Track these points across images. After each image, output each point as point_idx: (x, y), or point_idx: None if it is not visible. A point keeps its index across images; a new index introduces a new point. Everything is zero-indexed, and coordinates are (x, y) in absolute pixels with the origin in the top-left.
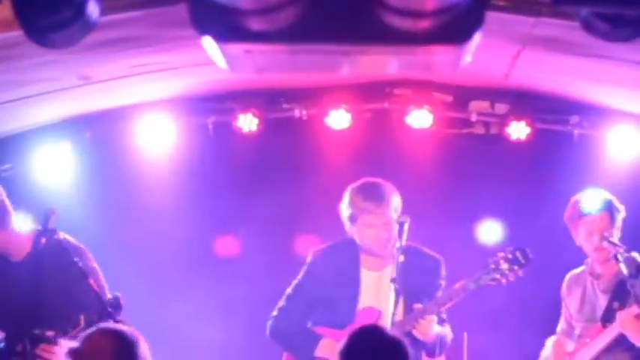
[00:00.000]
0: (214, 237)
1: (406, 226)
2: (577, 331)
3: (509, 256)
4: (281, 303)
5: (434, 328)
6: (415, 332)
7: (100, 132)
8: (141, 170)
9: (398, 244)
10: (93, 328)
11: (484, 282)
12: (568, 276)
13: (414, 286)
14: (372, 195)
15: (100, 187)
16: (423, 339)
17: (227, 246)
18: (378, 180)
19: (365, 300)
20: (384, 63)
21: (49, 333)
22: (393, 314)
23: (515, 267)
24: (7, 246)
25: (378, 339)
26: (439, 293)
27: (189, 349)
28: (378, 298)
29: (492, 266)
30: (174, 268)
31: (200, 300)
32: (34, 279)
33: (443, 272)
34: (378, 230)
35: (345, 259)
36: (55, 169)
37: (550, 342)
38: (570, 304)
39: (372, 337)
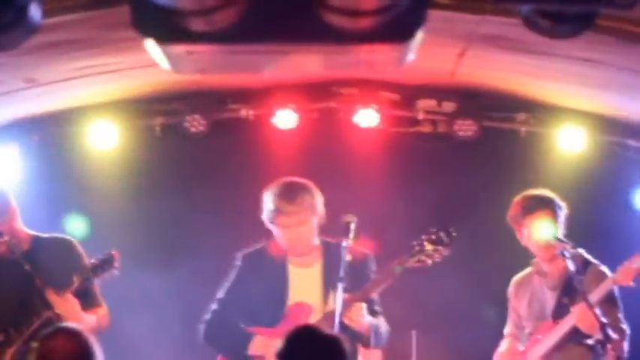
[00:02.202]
0: (161, 238)
1: (352, 226)
2: (527, 330)
3: (433, 237)
4: (213, 306)
5: (365, 316)
6: (346, 321)
7: (47, 134)
8: (88, 172)
9: (344, 244)
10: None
11: (410, 264)
12: (514, 279)
13: (344, 281)
14: (284, 195)
15: (48, 190)
16: (355, 327)
17: (174, 247)
18: (295, 179)
19: (294, 296)
20: (324, 62)
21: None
22: (324, 309)
23: (440, 247)
24: (11, 242)
25: (314, 338)
26: None
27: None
28: (308, 293)
29: (417, 248)
30: (122, 269)
31: (147, 301)
32: (26, 278)
33: (372, 266)
34: (292, 230)
35: (273, 259)
36: (3, 172)
37: (502, 344)
38: (519, 305)
39: (309, 337)
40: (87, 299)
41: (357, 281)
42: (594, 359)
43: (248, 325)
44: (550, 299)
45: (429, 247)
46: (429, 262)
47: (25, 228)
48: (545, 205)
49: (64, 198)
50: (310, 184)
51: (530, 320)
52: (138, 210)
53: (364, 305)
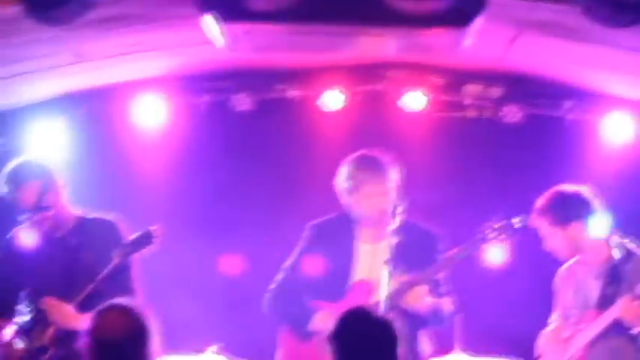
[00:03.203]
0: (207, 215)
1: (399, 209)
2: (572, 320)
3: (497, 225)
4: (278, 277)
5: (425, 299)
6: (404, 304)
7: (94, 109)
8: (134, 148)
9: (392, 226)
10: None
11: (471, 252)
12: (560, 269)
13: (410, 262)
14: (371, 166)
15: (93, 164)
16: (413, 310)
17: (221, 224)
18: (375, 152)
19: (359, 273)
20: (385, 45)
21: None
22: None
23: (503, 236)
24: (57, 221)
25: (366, 321)
26: None
27: (187, 323)
28: (373, 270)
29: (480, 236)
30: (167, 245)
31: (197, 275)
32: (71, 256)
33: (440, 246)
34: (378, 200)
35: (341, 233)
36: (49, 146)
37: (546, 330)
38: (564, 294)
39: (361, 319)
40: (121, 281)
41: (421, 262)
42: (636, 351)
43: (313, 297)
44: (594, 289)
45: (491, 235)
46: (490, 248)
47: (71, 207)
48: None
49: (109, 172)
50: (390, 159)
51: (575, 309)
52: (182, 186)
53: (425, 288)
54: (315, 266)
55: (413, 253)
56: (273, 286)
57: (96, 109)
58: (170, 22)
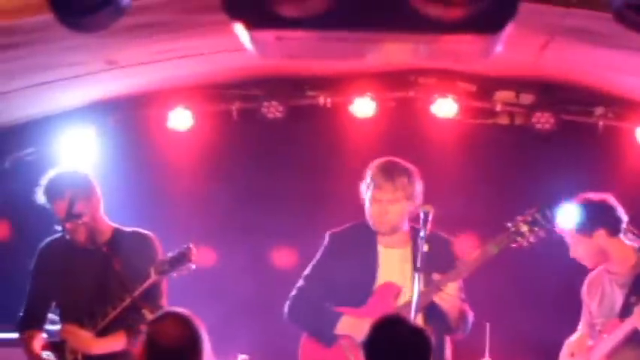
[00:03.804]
0: (238, 222)
1: (430, 216)
2: (597, 328)
3: (529, 218)
4: (299, 284)
5: (456, 300)
6: (439, 301)
7: (124, 117)
8: (165, 156)
9: (422, 234)
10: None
11: (504, 244)
12: (588, 277)
13: (431, 267)
14: (385, 171)
15: (123, 173)
16: (446, 309)
17: (252, 232)
18: (400, 160)
19: (384, 276)
20: (413, 51)
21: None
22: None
23: (536, 228)
24: (94, 235)
25: (401, 329)
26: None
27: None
28: (397, 274)
29: (512, 229)
30: (200, 251)
31: (224, 281)
32: (105, 268)
33: (455, 251)
34: (382, 206)
35: (363, 238)
36: (79, 154)
37: (572, 338)
38: (591, 303)
39: (395, 327)
40: (152, 298)
41: (441, 267)
42: None
43: (334, 304)
44: (619, 297)
45: (524, 227)
46: (525, 243)
47: (107, 219)
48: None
49: (139, 181)
50: (414, 169)
51: (601, 318)
52: (213, 194)
53: (458, 285)
54: (336, 272)
55: (433, 259)
56: (294, 293)
57: (127, 116)
58: (201, 29)
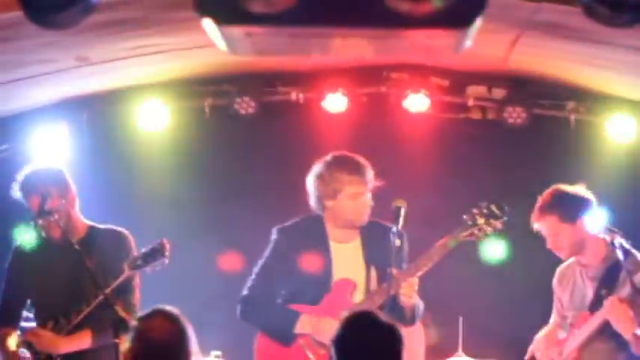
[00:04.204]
0: (210, 218)
1: (402, 211)
2: (568, 321)
3: (485, 210)
4: (251, 282)
5: (415, 294)
6: (401, 297)
7: (96, 113)
8: (137, 152)
9: (395, 229)
10: (149, 310)
11: (462, 238)
12: (559, 269)
13: (381, 259)
14: (355, 167)
15: (96, 169)
16: (406, 303)
17: (224, 228)
18: (348, 153)
19: (338, 272)
20: (381, 46)
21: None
22: (367, 285)
23: (492, 220)
24: (68, 231)
25: (372, 325)
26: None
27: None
28: (351, 269)
29: (469, 222)
30: (173, 247)
31: (198, 279)
32: (79, 265)
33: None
34: (359, 201)
35: (312, 233)
36: (51, 150)
37: (542, 331)
38: (562, 295)
39: (366, 323)
40: (125, 294)
41: (389, 258)
42: (627, 358)
43: (289, 302)
44: (589, 290)
45: (480, 220)
46: (482, 235)
47: (82, 217)
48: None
49: (111, 178)
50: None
51: (571, 310)
52: (186, 190)
53: (417, 280)
54: (289, 269)
55: (382, 250)
56: (245, 292)
57: (99, 113)
58: (172, 25)
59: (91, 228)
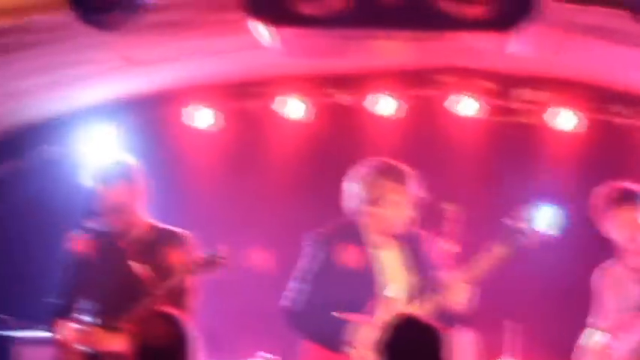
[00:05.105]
0: (257, 220)
1: (451, 214)
2: (612, 323)
3: (525, 215)
4: (293, 291)
5: (464, 299)
6: (452, 303)
7: (145, 114)
8: (185, 153)
9: (445, 232)
10: (148, 312)
11: (509, 244)
12: (600, 269)
13: (420, 263)
14: (399, 176)
15: (144, 170)
16: (455, 309)
17: (273, 229)
18: (393, 160)
19: (383, 279)
20: (430, 48)
21: None
22: (409, 291)
23: (538, 226)
24: (129, 229)
25: (416, 328)
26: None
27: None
28: (393, 275)
29: (512, 227)
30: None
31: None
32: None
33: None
34: (399, 210)
35: (350, 241)
36: (99, 151)
37: (586, 334)
38: (603, 296)
39: (410, 326)
40: (179, 297)
41: (430, 265)
42: None
43: (335, 309)
44: (635, 292)
45: (522, 224)
46: (525, 240)
47: (145, 215)
48: (632, 199)
49: (159, 178)
50: (412, 171)
51: (616, 312)
52: (233, 192)
53: (467, 287)
54: (333, 276)
55: (420, 256)
56: (290, 301)
57: (147, 114)
58: (220, 26)
59: (152, 227)
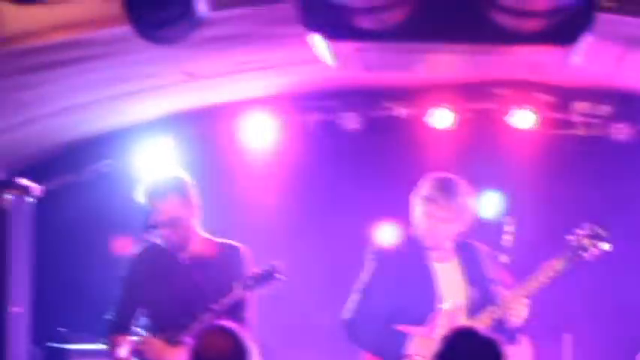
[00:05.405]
0: (316, 233)
1: (509, 228)
2: None
3: (589, 231)
4: (353, 305)
5: (524, 314)
6: (512, 317)
7: (202, 128)
8: (243, 167)
9: (503, 246)
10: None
11: (569, 261)
12: None
13: (479, 277)
14: (443, 187)
15: (201, 184)
16: (515, 323)
17: (329, 243)
18: (456, 177)
19: (442, 293)
20: (489, 62)
21: None
22: (469, 305)
23: (597, 241)
24: (185, 243)
25: (474, 340)
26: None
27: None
28: (453, 289)
29: (574, 243)
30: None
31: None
32: (193, 279)
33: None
34: (435, 223)
35: (412, 254)
36: (157, 165)
37: None
38: None
39: (468, 338)
40: (237, 311)
41: (487, 279)
42: None
43: (396, 322)
44: None
45: (585, 241)
46: (588, 256)
47: (200, 229)
48: None
49: (217, 192)
50: (469, 187)
51: None
52: (290, 205)
53: (527, 302)
54: (394, 289)
55: (479, 270)
56: (349, 315)
57: (204, 128)
58: (278, 41)
59: (208, 241)
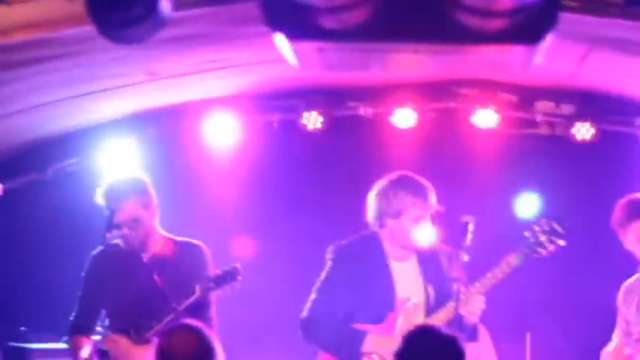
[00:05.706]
0: (277, 232)
1: (470, 226)
2: (634, 337)
3: (546, 227)
4: (311, 304)
5: (480, 309)
6: (468, 314)
7: (165, 128)
8: (205, 166)
9: (464, 244)
10: (172, 325)
11: (526, 255)
12: (623, 285)
13: (437, 275)
14: (419, 190)
15: (164, 183)
16: (471, 321)
17: (291, 242)
18: (413, 174)
19: (400, 291)
20: (451, 62)
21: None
22: (427, 304)
23: (554, 238)
24: (146, 243)
25: (434, 338)
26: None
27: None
28: (411, 288)
29: (531, 240)
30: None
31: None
32: (154, 279)
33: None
34: (421, 225)
35: (371, 252)
36: (120, 164)
37: (608, 348)
38: (627, 311)
39: (428, 336)
40: (199, 311)
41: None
42: None
43: (353, 321)
44: None
45: (542, 237)
46: (544, 252)
47: (161, 229)
48: None
49: (180, 192)
50: (428, 185)
51: (637, 326)
52: (253, 204)
53: (483, 298)
54: (351, 288)
55: (437, 269)
56: (307, 314)
57: (168, 127)
58: (241, 40)
59: (169, 240)
